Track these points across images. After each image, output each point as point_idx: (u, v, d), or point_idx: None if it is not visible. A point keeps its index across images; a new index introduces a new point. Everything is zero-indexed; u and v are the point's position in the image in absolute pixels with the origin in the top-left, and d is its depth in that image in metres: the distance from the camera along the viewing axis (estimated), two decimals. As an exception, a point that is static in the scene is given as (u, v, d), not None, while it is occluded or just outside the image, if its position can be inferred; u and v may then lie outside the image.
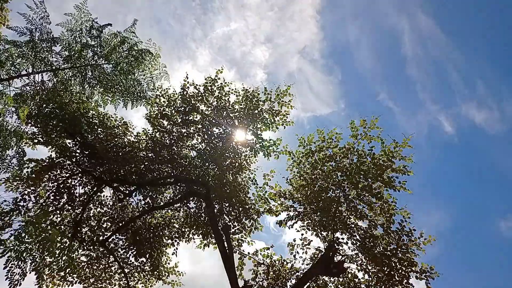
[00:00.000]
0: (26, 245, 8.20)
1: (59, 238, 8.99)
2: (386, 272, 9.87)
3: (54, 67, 8.31)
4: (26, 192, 10.66)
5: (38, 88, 8.31)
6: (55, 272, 11.42)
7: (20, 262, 7.86)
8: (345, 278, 11.25)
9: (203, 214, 12.82)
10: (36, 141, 10.72)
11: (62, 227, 11.27)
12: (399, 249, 10.03)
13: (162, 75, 9.81)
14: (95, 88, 9.05)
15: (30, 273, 8.15)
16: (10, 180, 10.40)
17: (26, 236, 8.20)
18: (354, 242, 10.74)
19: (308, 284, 11.13)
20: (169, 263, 13.26)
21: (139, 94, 9.50)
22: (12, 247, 7.83)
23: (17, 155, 8.98)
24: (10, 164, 8.82)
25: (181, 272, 13.32)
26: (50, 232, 8.45)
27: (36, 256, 8.21)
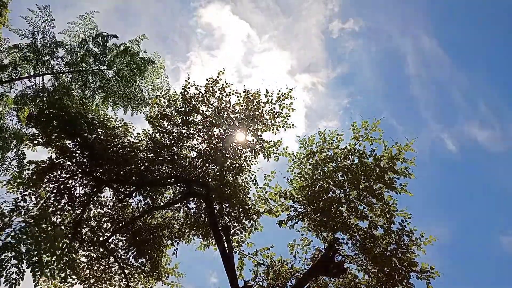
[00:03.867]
0: (28, 246, 8.13)
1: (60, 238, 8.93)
2: (386, 272, 9.95)
3: (55, 71, 8.27)
4: (26, 193, 10.60)
5: (39, 90, 8.27)
6: (55, 273, 11.40)
7: (17, 262, 7.76)
8: (345, 279, 11.34)
9: (203, 215, 12.83)
10: (36, 142, 10.66)
11: (63, 227, 11.21)
12: (399, 249, 10.11)
13: (163, 85, 9.81)
14: (96, 93, 9.04)
15: (27, 270, 8.04)
16: (11, 182, 10.34)
17: (25, 236, 8.13)
18: (354, 242, 10.81)
19: (308, 284, 11.20)
20: (169, 264, 13.28)
21: (140, 101, 9.50)
22: (10, 247, 7.75)
23: (17, 157, 8.93)
24: (10, 166, 8.78)
25: (181, 273, 13.35)
26: (53, 232, 8.39)
27: (32, 255, 8.13)
